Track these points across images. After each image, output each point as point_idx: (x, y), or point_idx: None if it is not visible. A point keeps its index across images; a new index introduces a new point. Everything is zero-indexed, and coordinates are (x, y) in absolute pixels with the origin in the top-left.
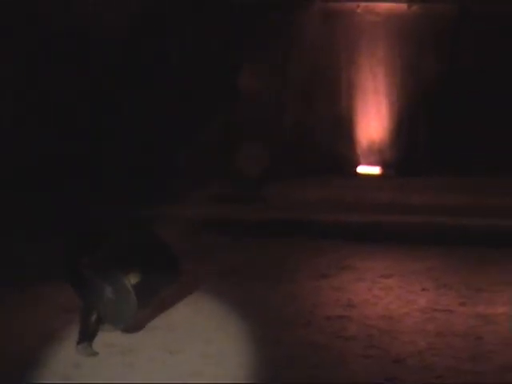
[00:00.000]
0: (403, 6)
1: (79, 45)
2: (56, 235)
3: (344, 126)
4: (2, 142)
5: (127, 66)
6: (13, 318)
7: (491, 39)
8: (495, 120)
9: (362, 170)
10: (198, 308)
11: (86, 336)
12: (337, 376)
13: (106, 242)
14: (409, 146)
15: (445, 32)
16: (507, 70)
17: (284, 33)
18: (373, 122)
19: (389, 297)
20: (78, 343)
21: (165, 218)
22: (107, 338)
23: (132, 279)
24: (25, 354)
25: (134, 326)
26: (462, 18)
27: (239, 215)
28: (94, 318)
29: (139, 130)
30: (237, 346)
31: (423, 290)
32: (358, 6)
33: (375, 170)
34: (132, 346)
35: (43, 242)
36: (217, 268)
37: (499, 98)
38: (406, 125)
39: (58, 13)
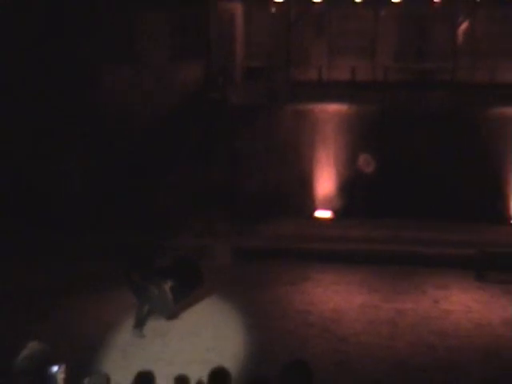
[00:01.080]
0: (345, 107)
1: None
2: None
3: (306, 185)
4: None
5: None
6: (88, 314)
7: (406, 131)
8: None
9: (319, 213)
10: (212, 304)
11: (140, 322)
12: (300, 350)
13: (152, 260)
14: (349, 198)
15: (373, 125)
16: (419, 148)
17: (264, 127)
18: (326, 182)
19: (337, 297)
20: (134, 327)
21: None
22: (153, 324)
23: (169, 284)
24: (94, 336)
25: (171, 316)
26: (384, 116)
27: (236, 244)
28: (145, 310)
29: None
30: (234, 330)
31: (360, 293)
32: (316, 107)
33: (327, 214)
34: (168, 330)
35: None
36: (223, 279)
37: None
38: (347, 184)
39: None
